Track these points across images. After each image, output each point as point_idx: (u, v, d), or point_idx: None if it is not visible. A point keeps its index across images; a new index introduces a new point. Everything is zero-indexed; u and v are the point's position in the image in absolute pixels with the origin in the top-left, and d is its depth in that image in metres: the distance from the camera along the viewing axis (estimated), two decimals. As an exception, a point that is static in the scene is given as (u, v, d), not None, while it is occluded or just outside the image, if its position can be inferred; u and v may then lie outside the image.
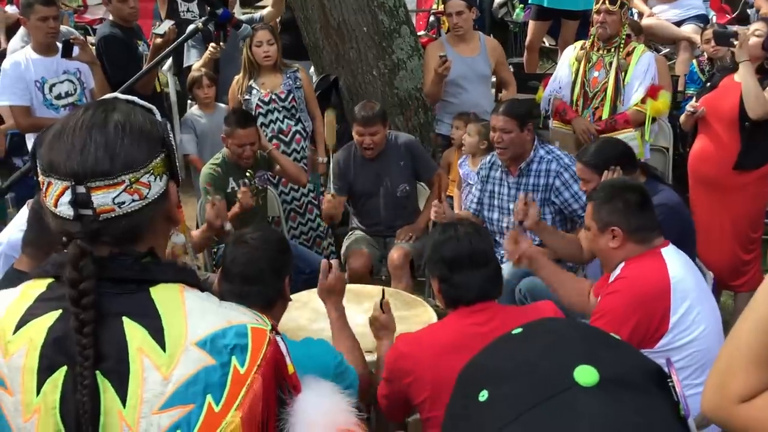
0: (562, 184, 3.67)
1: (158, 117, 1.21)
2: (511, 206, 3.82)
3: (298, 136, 4.60)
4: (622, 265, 2.58)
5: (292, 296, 3.19)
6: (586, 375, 0.73)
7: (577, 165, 3.35)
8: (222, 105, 4.94)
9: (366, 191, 4.21)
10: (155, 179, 1.14)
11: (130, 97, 1.20)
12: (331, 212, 4.11)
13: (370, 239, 4.21)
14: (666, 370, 0.78)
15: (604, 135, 4.09)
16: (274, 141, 4.46)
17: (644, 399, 0.73)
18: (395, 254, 3.98)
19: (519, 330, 0.84)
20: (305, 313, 3.17)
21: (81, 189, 1.09)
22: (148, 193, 1.13)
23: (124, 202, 1.11)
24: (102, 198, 1.10)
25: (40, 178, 1.13)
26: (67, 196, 1.10)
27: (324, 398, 1.20)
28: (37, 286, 1.15)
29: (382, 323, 2.56)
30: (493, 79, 5.16)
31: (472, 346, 2.16)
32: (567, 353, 0.77)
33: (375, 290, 3.20)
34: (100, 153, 1.10)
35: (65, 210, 1.11)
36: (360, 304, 3.26)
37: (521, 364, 0.78)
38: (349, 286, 3.64)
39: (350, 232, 4.34)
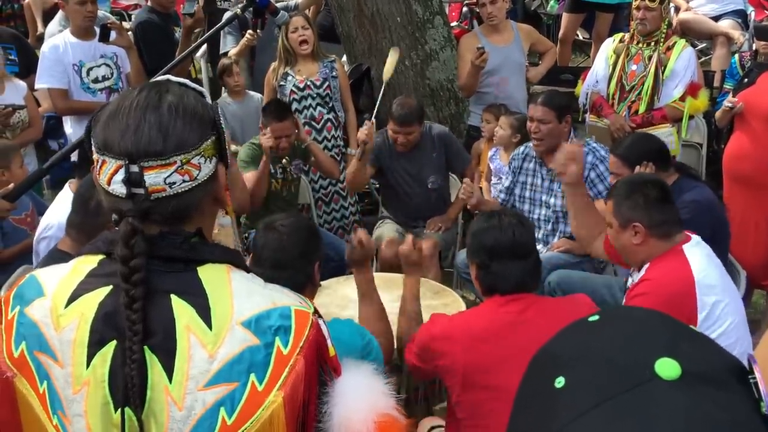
0: (597, 176, 3.65)
1: (209, 100, 1.23)
2: (544, 198, 3.82)
3: (329, 124, 4.62)
4: (646, 266, 2.57)
5: (321, 283, 3.24)
6: (668, 368, 0.72)
7: (610, 158, 3.34)
8: (253, 93, 4.97)
9: (398, 181, 4.22)
10: (205, 161, 1.16)
11: (182, 80, 1.22)
12: (366, 138, 3.80)
13: (400, 229, 4.23)
14: (746, 365, 0.76)
15: (640, 130, 4.06)
16: (306, 128, 4.48)
17: (726, 395, 0.71)
18: (425, 244, 3.97)
19: (596, 317, 0.83)
20: (335, 299, 3.20)
21: (134, 168, 1.11)
22: (198, 175, 1.15)
23: (174, 183, 1.13)
24: (154, 177, 1.12)
25: (95, 156, 1.15)
26: (121, 175, 1.12)
27: (363, 381, 1.21)
28: (89, 262, 1.18)
29: (414, 260, 2.63)
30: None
31: (504, 334, 2.19)
32: (648, 344, 0.75)
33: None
34: (153, 133, 1.12)
35: (118, 188, 1.13)
36: (390, 292, 3.27)
37: (600, 353, 0.77)
38: (379, 274, 3.67)
39: (380, 221, 4.35)
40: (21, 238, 3.66)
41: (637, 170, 3.15)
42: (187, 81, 1.22)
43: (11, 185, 2.70)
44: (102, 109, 1.18)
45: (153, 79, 1.28)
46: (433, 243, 3.98)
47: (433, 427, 2.38)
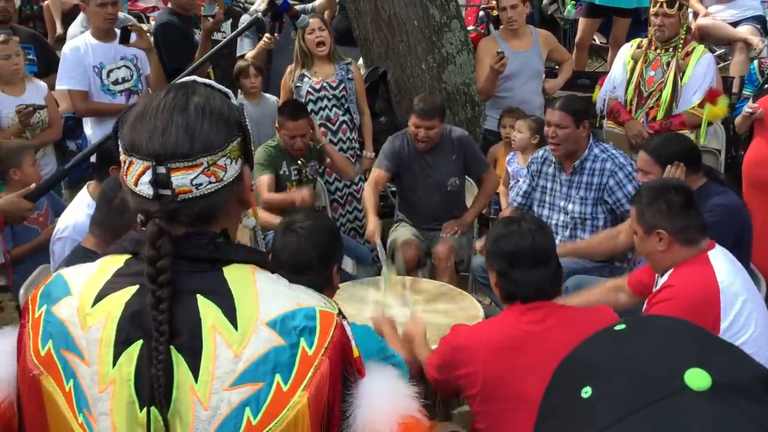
0: (616, 184, 3.63)
1: (234, 101, 1.23)
2: (563, 204, 3.80)
3: (345, 126, 4.63)
4: (669, 272, 2.55)
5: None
6: (698, 379, 0.71)
7: (640, 154, 3.30)
8: (269, 96, 4.98)
9: (416, 183, 4.22)
10: (231, 162, 1.16)
11: (208, 81, 1.22)
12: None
13: (416, 231, 4.22)
14: None
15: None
16: (321, 129, 4.49)
17: (758, 407, 0.70)
18: (440, 248, 3.98)
19: (623, 326, 0.82)
20: (353, 302, 3.20)
21: (161, 169, 1.11)
22: (224, 176, 1.15)
23: (201, 184, 1.13)
24: (181, 179, 1.12)
25: (122, 156, 1.16)
26: (148, 176, 1.12)
27: (387, 383, 1.21)
28: (115, 262, 1.19)
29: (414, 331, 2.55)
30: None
31: (526, 345, 2.18)
32: (677, 354, 0.74)
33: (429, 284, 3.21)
34: (180, 135, 1.12)
35: (145, 189, 1.13)
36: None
37: (628, 363, 0.76)
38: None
39: (396, 224, 4.35)
40: (31, 237, 3.69)
41: (667, 170, 3.12)
42: (212, 82, 1.23)
43: (33, 185, 2.72)
44: (129, 110, 1.19)
45: (175, 81, 1.28)
46: (449, 247, 3.99)
47: (449, 433, 2.38)
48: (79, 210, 3.16)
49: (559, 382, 0.82)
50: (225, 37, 4.54)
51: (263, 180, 4.03)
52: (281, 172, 4.15)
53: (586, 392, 0.75)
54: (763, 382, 0.73)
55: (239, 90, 5.21)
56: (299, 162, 4.16)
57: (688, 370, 0.72)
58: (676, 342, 0.77)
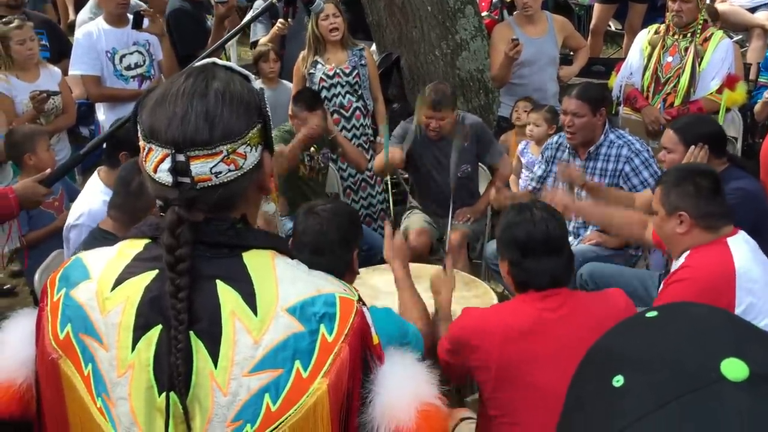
0: (631, 170, 3.60)
1: (255, 84, 1.22)
2: (577, 189, 3.77)
3: (358, 112, 4.61)
4: (687, 253, 2.51)
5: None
6: (735, 369, 0.69)
7: (666, 132, 3.27)
8: (285, 82, 4.96)
9: (428, 170, 4.20)
10: (251, 150, 1.15)
11: (228, 64, 1.21)
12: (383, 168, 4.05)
13: (429, 219, 4.21)
14: None
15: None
16: (335, 116, 4.48)
17: None
18: (453, 235, 3.96)
19: (654, 313, 0.80)
20: (365, 289, 3.18)
21: (181, 157, 1.10)
22: (243, 164, 1.14)
23: (220, 172, 1.12)
24: (200, 167, 1.11)
25: (141, 142, 1.15)
26: (167, 164, 1.11)
27: (407, 370, 1.20)
28: (134, 246, 1.18)
29: (442, 283, 2.67)
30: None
31: (541, 332, 2.16)
32: (713, 344, 0.73)
33: (434, 270, 3.19)
34: (200, 122, 1.11)
35: (164, 176, 1.12)
36: (417, 283, 3.25)
37: (662, 352, 0.74)
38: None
39: (408, 211, 4.34)
40: (47, 221, 3.71)
41: (690, 150, 3.08)
42: (233, 65, 1.21)
43: (48, 170, 2.72)
44: (148, 94, 1.17)
45: (208, 60, 1.25)
46: (461, 234, 3.97)
47: (463, 419, 2.37)
48: (93, 196, 3.16)
49: (587, 371, 0.80)
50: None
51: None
52: None
53: (618, 381, 0.73)
54: None
55: (257, 75, 5.20)
56: (312, 149, 4.15)
57: (724, 359, 0.70)
58: (711, 330, 0.75)
